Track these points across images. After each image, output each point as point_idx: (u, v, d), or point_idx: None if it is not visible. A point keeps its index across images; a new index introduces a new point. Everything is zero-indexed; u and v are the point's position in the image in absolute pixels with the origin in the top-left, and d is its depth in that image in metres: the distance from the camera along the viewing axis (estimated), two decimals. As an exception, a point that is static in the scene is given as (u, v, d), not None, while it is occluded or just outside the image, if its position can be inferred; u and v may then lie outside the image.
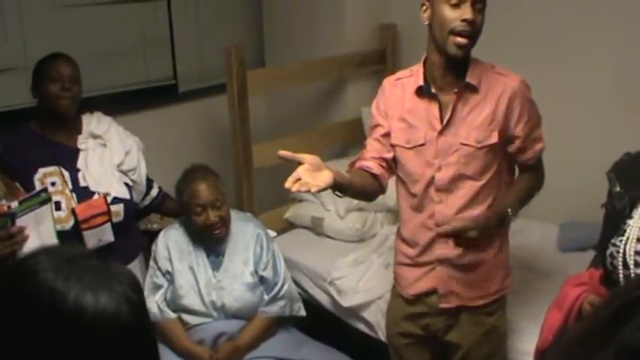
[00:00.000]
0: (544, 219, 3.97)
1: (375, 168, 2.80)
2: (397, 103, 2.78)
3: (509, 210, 2.63)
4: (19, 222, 2.58)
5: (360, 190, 2.70)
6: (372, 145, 2.87)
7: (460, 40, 2.52)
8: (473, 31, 2.51)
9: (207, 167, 3.53)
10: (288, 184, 2.37)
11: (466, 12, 2.48)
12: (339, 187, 2.51)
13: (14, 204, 2.57)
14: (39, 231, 2.67)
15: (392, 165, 2.85)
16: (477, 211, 2.68)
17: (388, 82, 2.87)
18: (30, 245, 2.61)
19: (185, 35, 4.69)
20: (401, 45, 4.64)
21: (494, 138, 2.61)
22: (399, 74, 2.82)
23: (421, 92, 2.70)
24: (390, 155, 2.82)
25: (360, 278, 3.70)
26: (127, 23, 4.38)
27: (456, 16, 2.50)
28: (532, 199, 2.81)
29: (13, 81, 3.87)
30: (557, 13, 3.97)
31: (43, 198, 2.71)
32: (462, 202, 2.70)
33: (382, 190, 2.86)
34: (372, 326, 3.59)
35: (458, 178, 2.68)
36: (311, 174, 2.40)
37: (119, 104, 3.96)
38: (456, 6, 2.50)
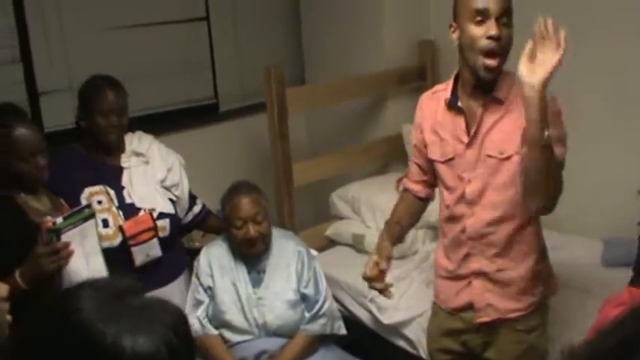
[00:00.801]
0: (586, 234, 3.92)
1: (421, 191, 2.99)
2: (431, 116, 2.79)
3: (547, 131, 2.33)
4: (65, 237, 2.61)
5: (411, 224, 3.09)
6: (413, 167, 2.98)
7: (489, 62, 2.50)
8: (500, 48, 2.48)
9: (253, 184, 3.56)
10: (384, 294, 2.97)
11: (491, 28, 2.46)
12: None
13: (59, 220, 2.61)
14: (84, 246, 2.70)
15: (435, 180, 2.91)
16: (507, 224, 2.65)
17: (425, 95, 2.89)
18: (75, 260, 2.64)
19: (225, 55, 4.73)
20: (440, 61, 4.63)
21: (514, 148, 2.55)
22: (436, 88, 2.83)
23: (450, 106, 2.70)
24: (427, 177, 2.94)
25: (401, 295, 3.68)
26: (168, 44, 4.44)
27: (482, 34, 2.48)
28: (553, 190, 2.53)
29: (58, 103, 3.93)
30: (596, 26, 3.93)
31: (87, 214, 2.74)
32: (491, 215, 2.66)
33: (430, 202, 3.05)
34: (413, 343, 3.57)
35: (486, 191, 2.65)
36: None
37: (162, 124, 4.01)
38: (480, 23, 2.48)
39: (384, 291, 2.94)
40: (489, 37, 2.47)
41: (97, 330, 1.11)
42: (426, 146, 2.82)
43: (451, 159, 2.72)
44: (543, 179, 2.42)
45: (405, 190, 3.04)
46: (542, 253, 2.79)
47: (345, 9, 4.70)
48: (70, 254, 2.61)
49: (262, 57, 4.63)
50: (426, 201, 3.01)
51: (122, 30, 4.22)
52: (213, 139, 4.64)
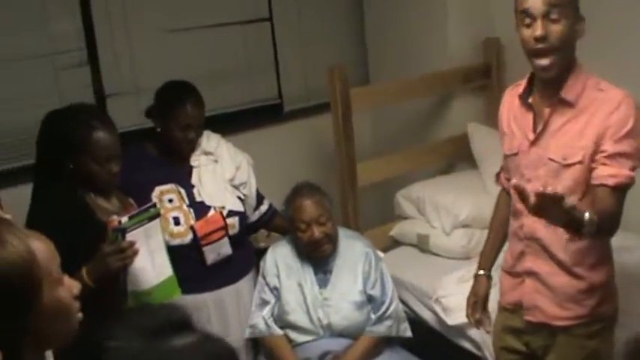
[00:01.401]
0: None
1: None
2: (509, 110, 2.77)
3: (587, 215, 2.26)
4: (130, 237, 2.64)
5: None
6: (503, 161, 2.92)
7: (540, 62, 2.47)
8: (549, 47, 2.43)
9: (315, 185, 3.56)
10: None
11: (535, 29, 2.42)
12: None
13: (124, 219, 2.64)
14: (149, 245, 2.73)
15: None
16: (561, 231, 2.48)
17: (508, 88, 2.85)
18: (140, 259, 2.67)
19: (289, 55, 4.73)
20: (505, 59, 4.56)
21: (579, 156, 2.49)
22: (519, 82, 2.76)
23: (522, 101, 2.67)
24: None
25: (466, 296, 3.64)
26: (232, 45, 4.46)
27: (529, 35, 2.45)
28: (602, 235, 2.48)
29: (123, 105, 3.98)
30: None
31: (153, 213, 2.76)
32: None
33: None
34: (478, 345, 3.52)
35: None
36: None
37: (226, 124, 4.03)
38: (529, 25, 2.45)
39: (479, 323, 3.06)
40: (534, 39, 2.43)
41: None
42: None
43: (515, 154, 2.71)
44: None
45: (501, 188, 3.02)
46: (600, 266, 2.66)
47: (409, 7, 4.67)
48: (135, 253, 2.64)
49: (326, 57, 4.62)
50: None
51: (186, 32, 4.25)
52: (277, 140, 4.65)
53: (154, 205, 2.84)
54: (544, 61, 2.47)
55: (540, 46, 2.44)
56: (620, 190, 2.48)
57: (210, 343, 1.13)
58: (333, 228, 3.48)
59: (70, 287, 1.66)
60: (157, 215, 2.80)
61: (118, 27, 4.01)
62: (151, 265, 2.74)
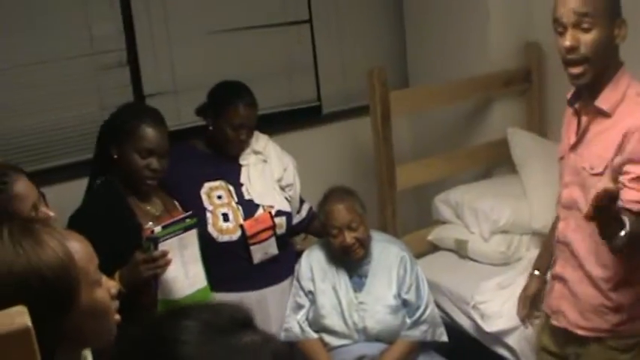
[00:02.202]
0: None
1: None
2: (567, 113, 2.74)
3: (627, 222, 2.24)
4: (163, 246, 2.63)
5: None
6: None
7: (572, 71, 2.44)
8: (579, 57, 2.40)
9: (347, 189, 3.55)
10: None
11: (566, 39, 2.40)
12: None
13: (157, 228, 2.63)
14: (183, 255, 2.73)
15: None
16: (592, 238, 2.47)
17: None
18: (173, 269, 2.67)
19: (329, 57, 4.72)
20: (547, 64, 4.51)
21: (601, 167, 2.45)
22: None
23: (570, 105, 2.66)
24: None
25: (505, 303, 3.59)
26: (271, 47, 4.46)
27: (561, 45, 2.43)
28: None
29: (162, 105, 3.99)
30: None
31: (188, 224, 2.75)
32: (578, 224, 2.57)
33: None
34: (515, 353, 3.48)
35: (577, 202, 2.56)
36: None
37: (265, 126, 4.02)
38: (561, 34, 2.43)
39: (524, 321, 3.12)
40: (565, 49, 2.41)
41: None
42: None
43: (561, 157, 2.70)
44: None
45: None
46: (629, 286, 2.57)
47: (450, 10, 4.63)
48: (167, 263, 2.65)
49: (366, 59, 4.61)
50: None
51: (225, 33, 4.26)
52: (315, 142, 4.64)
53: (191, 216, 2.84)
54: (574, 70, 2.44)
55: (570, 56, 2.42)
56: None
57: (273, 343, 1.14)
58: (364, 232, 3.45)
59: (107, 287, 1.66)
60: (194, 225, 2.79)
61: (158, 28, 4.03)
62: (184, 276, 2.74)
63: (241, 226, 3.30)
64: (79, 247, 1.58)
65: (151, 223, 2.74)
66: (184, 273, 2.73)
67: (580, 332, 2.67)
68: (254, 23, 4.37)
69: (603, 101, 2.48)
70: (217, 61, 4.15)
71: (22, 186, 2.12)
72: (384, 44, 4.99)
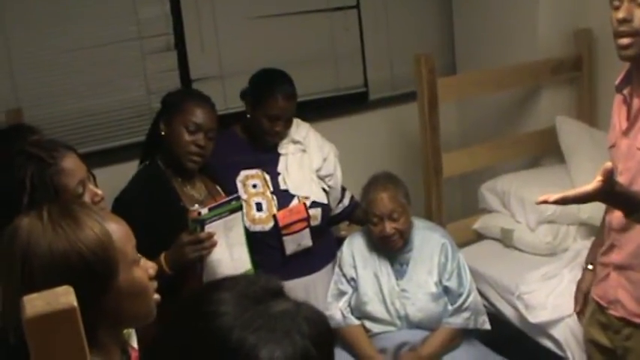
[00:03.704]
0: None
1: None
2: (616, 101, 2.71)
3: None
4: (209, 228, 2.65)
5: None
6: None
7: (618, 41, 2.42)
8: (631, 30, 2.37)
9: (392, 176, 3.53)
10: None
11: (620, 11, 2.38)
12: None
13: (204, 211, 2.65)
14: (228, 237, 2.74)
15: None
16: None
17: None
18: (218, 251, 2.68)
19: (376, 43, 4.70)
20: (598, 51, 4.44)
21: None
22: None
23: (619, 92, 2.63)
24: None
25: (550, 294, 3.56)
26: (318, 32, 4.46)
27: (615, 17, 2.41)
28: None
29: (209, 89, 3.99)
30: None
31: (234, 206, 2.76)
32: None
33: None
34: (560, 345, 3.45)
35: (633, 185, 2.52)
36: None
37: (311, 111, 4.03)
38: (617, 8, 2.41)
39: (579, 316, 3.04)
40: (618, 20, 2.39)
41: (236, 338, 1.09)
42: None
43: (612, 145, 2.67)
44: None
45: None
46: None
47: (499, -3, 4.60)
48: (213, 245, 2.66)
49: (413, 45, 4.59)
50: None
51: (272, 18, 4.26)
52: (362, 128, 4.64)
53: (237, 198, 2.85)
54: (622, 41, 2.42)
55: (622, 28, 2.40)
56: None
57: (305, 309, 1.17)
58: (405, 223, 3.43)
59: (146, 268, 1.68)
60: (239, 208, 2.80)
61: (205, 13, 4.05)
62: (229, 258, 2.75)
63: (274, 217, 3.29)
64: (116, 228, 1.60)
65: (197, 205, 2.75)
66: (229, 255, 2.75)
67: (637, 320, 2.64)
68: (301, 9, 4.37)
69: None
70: (263, 47, 4.16)
71: (70, 162, 2.15)
72: (431, 30, 4.96)
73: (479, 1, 4.72)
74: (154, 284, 1.72)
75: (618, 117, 2.63)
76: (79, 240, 1.51)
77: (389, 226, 3.37)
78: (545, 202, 2.33)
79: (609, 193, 2.23)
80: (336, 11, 4.52)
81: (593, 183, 2.21)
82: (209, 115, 2.91)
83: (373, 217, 3.40)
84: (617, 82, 2.63)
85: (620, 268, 2.67)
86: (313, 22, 4.43)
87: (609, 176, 2.18)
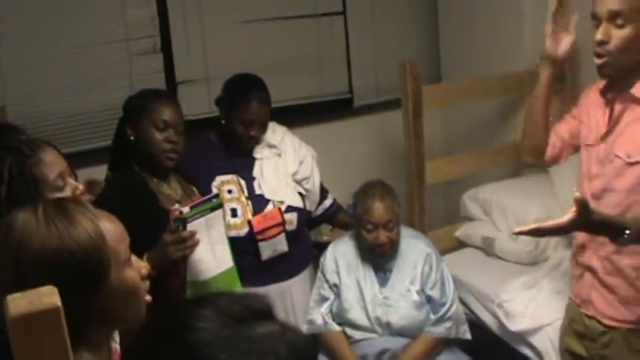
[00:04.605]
0: None
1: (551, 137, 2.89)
2: (591, 100, 2.75)
3: (627, 231, 2.30)
4: (191, 227, 2.64)
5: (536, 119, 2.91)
6: (561, 122, 2.93)
7: (595, 60, 2.50)
8: (605, 51, 2.46)
9: (388, 185, 3.54)
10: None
11: (598, 32, 2.46)
12: None
13: (186, 209, 2.64)
14: (210, 235, 2.73)
15: (565, 148, 2.88)
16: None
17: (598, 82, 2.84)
18: (201, 249, 2.68)
19: (361, 49, 4.73)
20: (581, 64, 4.47)
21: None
22: None
23: (601, 95, 2.67)
24: (567, 136, 2.86)
25: (530, 302, 3.58)
26: (304, 37, 4.48)
27: (594, 38, 2.48)
28: None
29: (194, 92, 4.03)
30: None
31: (215, 203, 2.76)
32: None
33: (543, 156, 2.94)
34: (539, 353, 3.46)
35: (606, 191, 2.58)
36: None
37: (295, 117, 4.04)
38: (597, 27, 2.48)
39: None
40: (596, 41, 2.48)
41: (207, 355, 1.06)
42: (578, 125, 2.81)
43: (590, 145, 2.70)
44: None
45: None
46: None
47: (484, 6, 4.61)
48: (195, 244, 2.65)
49: (398, 53, 4.60)
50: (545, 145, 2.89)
51: (258, 23, 4.28)
52: (346, 134, 4.64)
53: (217, 196, 2.84)
54: (597, 61, 2.50)
55: (598, 50, 2.48)
56: None
57: (291, 333, 1.13)
58: (397, 234, 3.46)
59: (138, 268, 1.68)
60: (220, 206, 2.79)
61: (192, 16, 4.06)
62: (211, 256, 2.74)
63: (249, 222, 3.28)
64: (110, 227, 1.59)
65: (177, 204, 2.75)
66: (212, 253, 2.74)
67: (609, 323, 2.68)
68: (287, 14, 4.39)
69: (638, 90, 2.52)
70: (249, 51, 4.17)
71: (50, 155, 2.16)
72: (417, 38, 4.98)
73: (465, 11, 4.74)
74: (146, 284, 1.73)
75: (597, 120, 2.67)
76: (71, 238, 1.51)
77: (383, 235, 3.38)
78: (521, 232, 2.36)
79: (587, 222, 2.27)
80: (322, 17, 4.54)
81: (568, 215, 2.24)
82: (175, 110, 2.90)
83: (368, 224, 3.40)
84: (601, 86, 2.67)
85: (592, 270, 2.71)
86: (299, 28, 4.44)
87: (583, 207, 2.21)
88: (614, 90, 2.61)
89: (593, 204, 2.61)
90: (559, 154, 2.91)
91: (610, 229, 2.33)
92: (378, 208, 3.39)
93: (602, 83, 2.70)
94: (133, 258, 1.68)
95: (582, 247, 2.73)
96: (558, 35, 2.76)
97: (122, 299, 1.60)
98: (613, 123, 2.59)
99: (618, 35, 2.43)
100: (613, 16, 2.43)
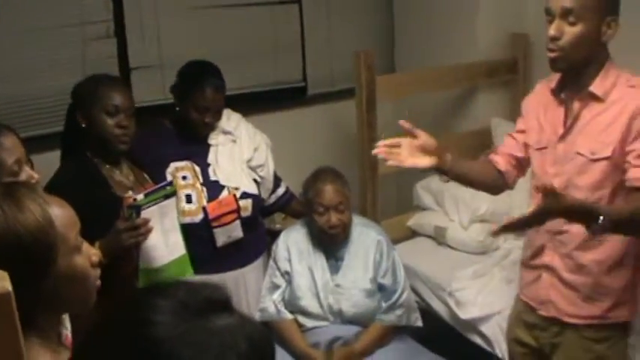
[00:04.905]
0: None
1: (502, 163, 2.89)
2: (539, 103, 2.77)
3: (602, 217, 2.31)
4: (144, 214, 2.63)
5: (472, 178, 2.93)
6: (506, 140, 2.95)
7: (548, 54, 2.53)
8: (557, 47, 2.49)
9: (337, 171, 3.56)
10: (376, 149, 2.66)
11: (551, 28, 2.49)
12: (441, 172, 2.77)
13: (140, 196, 2.63)
14: (163, 223, 2.73)
15: (523, 164, 2.88)
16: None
17: (542, 81, 2.86)
18: (153, 237, 2.67)
19: (316, 38, 4.71)
20: (533, 55, 4.52)
21: (607, 151, 2.50)
22: (554, 76, 2.75)
23: (554, 95, 2.69)
24: (521, 154, 2.86)
25: (480, 291, 3.63)
26: (258, 25, 4.44)
27: (548, 34, 2.52)
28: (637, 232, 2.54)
29: (148, 78, 3.99)
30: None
31: (169, 191, 2.75)
32: None
33: (507, 185, 2.94)
34: (489, 341, 3.51)
35: (569, 187, 2.59)
36: (412, 151, 2.67)
37: (249, 104, 4.02)
38: (550, 22, 2.52)
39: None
40: (549, 37, 2.51)
41: (166, 351, 1.02)
42: (524, 131, 2.83)
43: (544, 148, 2.71)
44: None
45: (486, 159, 3.01)
46: (621, 269, 2.64)
47: (440, -3, 4.65)
48: (148, 231, 2.64)
49: (353, 42, 4.60)
50: (501, 175, 2.89)
51: (213, 9, 4.24)
52: (299, 123, 4.64)
53: (171, 183, 2.84)
54: (550, 54, 2.54)
55: (551, 45, 2.51)
56: None
57: (249, 326, 1.10)
58: (349, 218, 3.49)
59: (88, 255, 1.66)
60: (173, 193, 2.79)
61: (147, 1, 4.00)
62: (164, 244, 2.74)
63: (204, 209, 3.27)
64: (60, 213, 1.58)
65: (130, 191, 2.73)
66: (164, 241, 2.73)
67: (570, 320, 2.71)
68: (243, 1, 4.36)
69: (597, 87, 2.55)
70: (204, 37, 4.14)
71: (9, 139, 2.17)
72: (372, 28, 4.99)
73: (420, 1, 4.76)
74: (97, 271, 1.71)
75: (552, 121, 2.68)
76: (18, 222, 1.50)
77: (335, 217, 3.41)
78: (498, 232, 2.46)
79: (559, 208, 2.29)
80: (278, 5, 4.52)
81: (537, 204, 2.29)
82: (124, 94, 2.90)
83: (319, 206, 3.42)
84: (552, 86, 2.69)
85: (552, 269, 2.73)
86: (255, 15, 4.41)
87: (548, 193, 2.24)
88: (569, 89, 2.64)
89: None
90: (519, 172, 2.93)
91: (584, 214, 2.33)
92: (329, 191, 3.42)
93: (550, 84, 2.73)
94: (84, 245, 1.67)
95: (541, 249, 2.75)
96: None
97: (71, 285, 1.59)
98: (572, 122, 2.61)
99: (570, 32, 2.46)
100: (566, 13, 2.46)
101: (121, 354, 1.06)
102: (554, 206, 2.28)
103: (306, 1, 4.62)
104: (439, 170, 2.75)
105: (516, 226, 2.44)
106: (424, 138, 2.69)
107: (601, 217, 2.28)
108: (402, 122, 2.72)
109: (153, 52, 4.05)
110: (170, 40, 4.07)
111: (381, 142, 2.68)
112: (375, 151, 2.67)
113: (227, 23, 4.29)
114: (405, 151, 2.67)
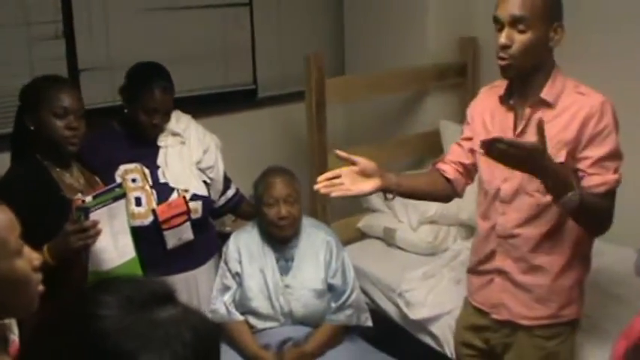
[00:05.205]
0: (620, 242, 3.84)
1: (450, 172, 2.89)
2: (485, 109, 2.79)
3: (574, 191, 2.38)
4: (93, 216, 2.61)
5: (421, 191, 2.89)
6: (453, 149, 2.95)
7: (498, 62, 2.55)
8: (508, 55, 2.51)
9: (287, 169, 3.59)
10: (318, 184, 2.60)
11: (501, 37, 2.51)
12: (387, 191, 2.72)
13: (88, 198, 2.61)
14: (112, 225, 2.71)
15: (471, 171, 2.89)
16: (537, 229, 2.63)
17: (485, 87, 2.89)
18: (103, 239, 2.65)
19: (266, 41, 4.72)
20: (481, 58, 4.58)
21: (561, 157, 2.52)
22: (497, 82, 2.80)
23: (502, 102, 2.70)
24: (468, 161, 2.87)
25: (430, 292, 3.66)
26: (209, 28, 4.44)
27: (498, 42, 2.53)
28: (592, 226, 2.60)
29: (97, 80, 3.96)
30: None
31: (118, 193, 2.74)
32: (522, 217, 2.64)
33: (456, 194, 2.93)
34: (438, 340, 3.55)
35: (520, 192, 2.63)
36: (353, 178, 2.62)
37: (199, 107, 4.01)
38: (499, 31, 2.53)
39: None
40: (499, 45, 2.52)
41: (112, 344, 1.03)
42: (471, 138, 2.83)
43: None
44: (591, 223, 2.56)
45: (433, 168, 2.99)
46: (571, 269, 2.70)
47: (389, 1, 4.67)
48: (97, 233, 2.62)
49: (303, 45, 4.62)
50: (450, 183, 2.89)
51: (164, 11, 4.23)
52: (249, 125, 4.64)
53: (120, 185, 2.82)
54: (500, 62, 2.55)
55: (501, 54, 2.53)
56: (612, 193, 2.56)
57: (193, 316, 1.12)
58: (298, 212, 3.51)
59: (30, 259, 1.64)
60: (122, 196, 2.77)
61: (96, 1, 3.98)
62: (113, 246, 2.72)
63: (153, 211, 3.25)
64: None
65: (80, 194, 2.71)
66: (114, 243, 2.71)
67: (524, 322, 2.74)
68: (193, 3, 4.35)
69: (547, 93, 2.58)
70: (154, 39, 4.12)
71: None
72: (322, 31, 5.01)
73: (370, 5, 4.80)
74: (39, 276, 1.69)
75: (501, 127, 2.69)
76: None
77: (284, 209, 3.42)
78: (485, 142, 2.35)
79: (542, 165, 2.33)
80: (228, 7, 4.52)
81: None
82: (73, 95, 2.86)
83: (269, 198, 3.44)
84: (501, 93, 2.71)
85: (504, 273, 2.75)
86: (205, 18, 4.41)
87: (542, 130, 2.30)
88: (518, 95, 2.66)
89: (502, 208, 2.69)
90: (467, 179, 2.94)
91: (559, 181, 2.37)
92: (278, 182, 3.46)
93: (495, 90, 2.75)
94: (26, 248, 1.65)
95: (491, 254, 2.77)
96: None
97: (11, 290, 1.57)
98: (522, 128, 2.62)
99: (520, 39, 2.48)
100: (515, 21, 2.47)
101: (68, 349, 1.06)
102: (541, 153, 2.31)
103: (256, 3, 4.63)
104: (385, 190, 2.71)
105: (504, 144, 2.32)
106: (363, 163, 2.64)
107: (572, 192, 2.35)
108: (337, 152, 2.69)
109: (102, 54, 4.02)
110: (119, 42, 4.04)
111: (320, 178, 2.62)
112: (316, 187, 2.61)
113: (177, 25, 4.28)
114: (347, 180, 2.61)
